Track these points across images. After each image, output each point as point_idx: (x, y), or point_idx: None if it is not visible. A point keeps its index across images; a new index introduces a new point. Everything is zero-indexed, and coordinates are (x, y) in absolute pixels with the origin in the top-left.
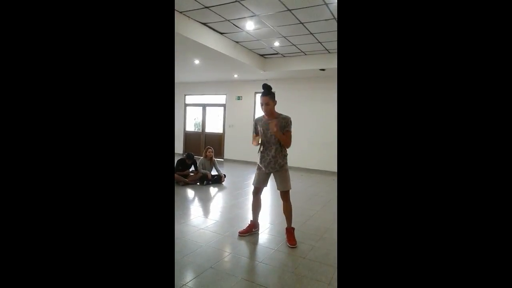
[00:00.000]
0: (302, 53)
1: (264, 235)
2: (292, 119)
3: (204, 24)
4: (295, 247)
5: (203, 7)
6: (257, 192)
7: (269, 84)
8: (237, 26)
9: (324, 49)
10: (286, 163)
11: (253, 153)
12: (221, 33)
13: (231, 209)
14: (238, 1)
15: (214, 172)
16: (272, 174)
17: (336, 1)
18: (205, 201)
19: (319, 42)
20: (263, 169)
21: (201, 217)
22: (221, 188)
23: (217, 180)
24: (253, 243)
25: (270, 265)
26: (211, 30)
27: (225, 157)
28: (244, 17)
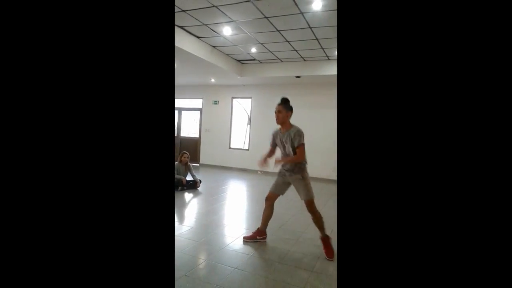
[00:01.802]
0: (279, 60)
1: (239, 241)
2: (270, 126)
3: (181, 27)
4: (332, 260)
5: (180, 10)
6: (270, 199)
7: (246, 89)
8: (214, 31)
9: (300, 57)
10: (305, 171)
11: (229, 158)
12: (198, 37)
13: (207, 215)
14: (215, 6)
15: (189, 178)
16: (292, 185)
17: (311, 11)
18: (180, 207)
19: (295, 50)
20: (286, 175)
21: (175, 223)
22: (196, 194)
23: (192, 186)
24: (229, 249)
25: (245, 271)
26: (188, 34)
27: (201, 162)
28: (221, 22)
